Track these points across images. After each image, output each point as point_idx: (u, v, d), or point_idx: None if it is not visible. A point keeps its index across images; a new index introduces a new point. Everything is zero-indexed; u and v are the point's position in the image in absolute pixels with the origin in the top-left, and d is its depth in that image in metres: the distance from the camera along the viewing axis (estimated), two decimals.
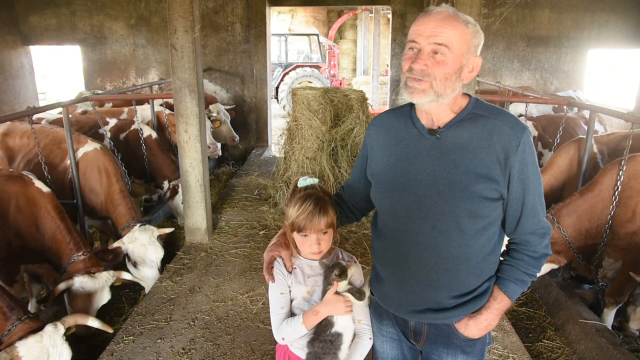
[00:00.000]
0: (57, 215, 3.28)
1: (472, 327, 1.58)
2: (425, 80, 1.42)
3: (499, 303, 1.58)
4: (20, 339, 2.25)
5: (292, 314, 1.75)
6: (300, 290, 1.75)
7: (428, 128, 1.53)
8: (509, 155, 1.44)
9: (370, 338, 1.78)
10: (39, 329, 2.34)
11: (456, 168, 1.46)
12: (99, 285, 3.18)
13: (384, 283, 1.68)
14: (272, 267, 1.78)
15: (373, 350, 1.88)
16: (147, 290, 3.90)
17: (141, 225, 3.96)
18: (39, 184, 3.35)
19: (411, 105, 1.59)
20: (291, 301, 1.76)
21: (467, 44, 1.43)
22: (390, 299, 1.68)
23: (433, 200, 1.48)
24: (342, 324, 1.71)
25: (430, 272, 1.54)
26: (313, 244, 1.68)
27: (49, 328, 2.35)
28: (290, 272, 1.76)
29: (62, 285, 3.09)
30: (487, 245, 1.53)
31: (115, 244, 3.86)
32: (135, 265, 3.89)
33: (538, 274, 1.60)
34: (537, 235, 1.54)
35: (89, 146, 4.27)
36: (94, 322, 2.65)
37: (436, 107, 1.49)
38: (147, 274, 3.95)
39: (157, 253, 3.95)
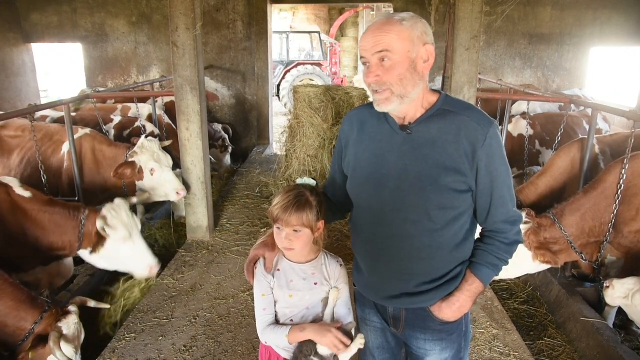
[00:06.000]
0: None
1: (445, 309, 1.65)
2: (385, 89, 1.50)
3: (471, 285, 1.65)
4: (57, 321, 2.49)
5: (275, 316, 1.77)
6: (283, 294, 1.75)
7: (400, 124, 1.59)
8: (476, 149, 1.51)
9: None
10: (66, 312, 2.57)
11: (426, 162, 1.53)
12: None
13: (363, 273, 1.76)
14: (255, 267, 1.80)
15: None
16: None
17: (147, 137, 4.33)
18: (19, 190, 3.17)
19: None
20: (275, 303, 1.77)
21: (408, 39, 1.47)
22: (369, 288, 1.77)
23: (405, 193, 1.55)
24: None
25: (405, 262, 1.62)
26: (284, 239, 1.68)
27: (73, 309, 2.60)
28: (272, 274, 1.76)
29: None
30: (458, 234, 1.61)
31: (131, 160, 4.17)
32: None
33: (510, 260, 1.68)
34: (508, 224, 1.63)
35: (79, 133, 4.43)
36: (91, 303, 2.83)
37: (406, 108, 1.55)
38: (167, 177, 4.26)
39: (168, 159, 4.34)
